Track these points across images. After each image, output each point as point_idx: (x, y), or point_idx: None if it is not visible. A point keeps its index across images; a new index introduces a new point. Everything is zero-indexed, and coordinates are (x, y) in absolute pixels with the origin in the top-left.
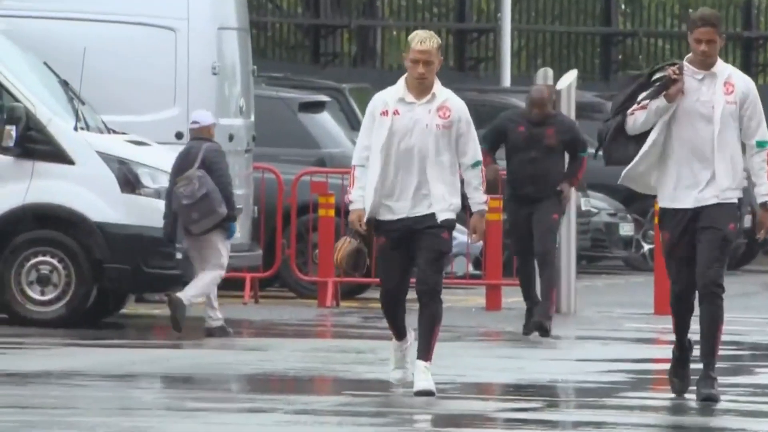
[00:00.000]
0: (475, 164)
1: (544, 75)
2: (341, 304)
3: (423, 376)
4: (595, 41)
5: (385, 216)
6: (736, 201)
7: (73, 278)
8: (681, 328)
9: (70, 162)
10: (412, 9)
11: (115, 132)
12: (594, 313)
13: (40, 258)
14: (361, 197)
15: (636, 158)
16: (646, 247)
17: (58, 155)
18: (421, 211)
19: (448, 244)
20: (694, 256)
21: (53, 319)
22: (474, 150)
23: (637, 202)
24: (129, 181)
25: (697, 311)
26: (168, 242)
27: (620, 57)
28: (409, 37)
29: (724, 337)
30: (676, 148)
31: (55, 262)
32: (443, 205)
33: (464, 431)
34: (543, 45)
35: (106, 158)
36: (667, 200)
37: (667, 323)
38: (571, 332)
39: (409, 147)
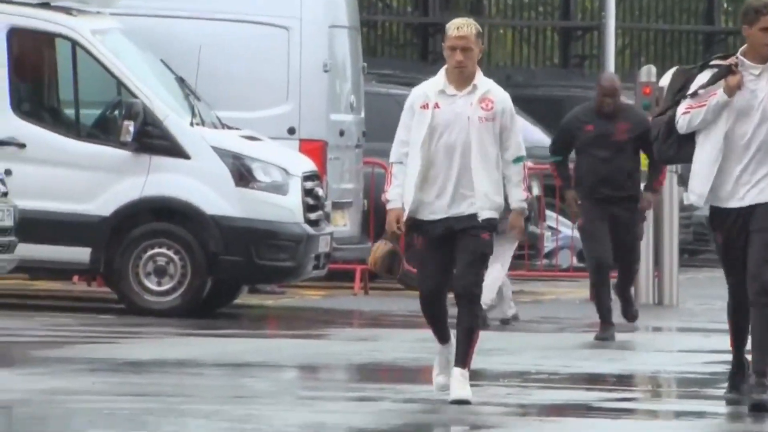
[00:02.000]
0: (517, 160)
1: (648, 72)
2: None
3: (459, 385)
4: (698, 39)
5: (426, 216)
6: None
7: (189, 270)
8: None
9: (186, 156)
10: (518, 8)
11: (229, 127)
12: (696, 305)
13: (157, 250)
14: (399, 196)
15: (702, 178)
16: None
17: (175, 150)
18: (463, 210)
19: (489, 245)
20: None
21: (169, 309)
22: (517, 144)
23: None
24: (243, 175)
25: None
26: None
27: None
28: (447, 26)
29: None
30: (728, 145)
31: (171, 253)
32: (485, 203)
33: (569, 420)
34: (646, 43)
35: (221, 153)
36: (720, 200)
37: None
38: (673, 324)
39: (450, 142)
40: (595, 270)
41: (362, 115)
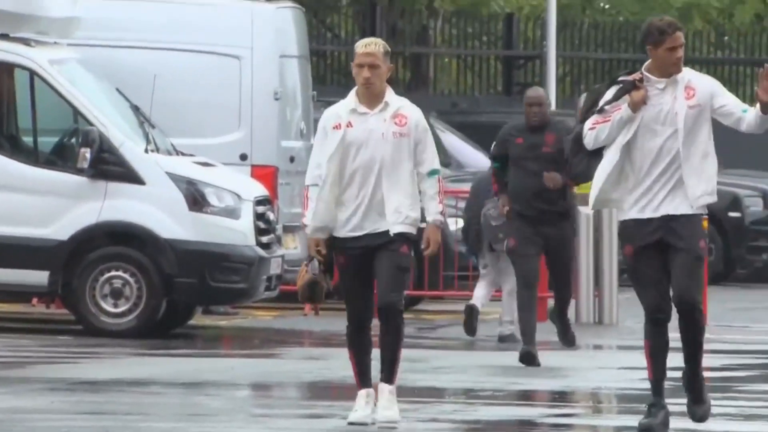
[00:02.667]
0: (432, 173)
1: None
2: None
3: (387, 404)
4: (635, 67)
5: (343, 233)
6: (706, 211)
7: (144, 291)
8: (658, 364)
9: (141, 182)
10: (462, 37)
11: (183, 154)
12: (634, 323)
13: (113, 273)
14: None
15: (598, 183)
16: None
17: (130, 176)
18: (380, 227)
19: (407, 259)
20: (663, 271)
21: (125, 330)
22: (431, 158)
23: None
24: (196, 200)
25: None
26: (470, 256)
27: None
28: (355, 44)
29: (758, 347)
30: (638, 159)
31: (127, 276)
32: (398, 218)
33: None
34: (586, 71)
35: (175, 178)
36: (629, 213)
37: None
38: (613, 342)
39: (365, 159)
40: (522, 287)
41: (312, 141)
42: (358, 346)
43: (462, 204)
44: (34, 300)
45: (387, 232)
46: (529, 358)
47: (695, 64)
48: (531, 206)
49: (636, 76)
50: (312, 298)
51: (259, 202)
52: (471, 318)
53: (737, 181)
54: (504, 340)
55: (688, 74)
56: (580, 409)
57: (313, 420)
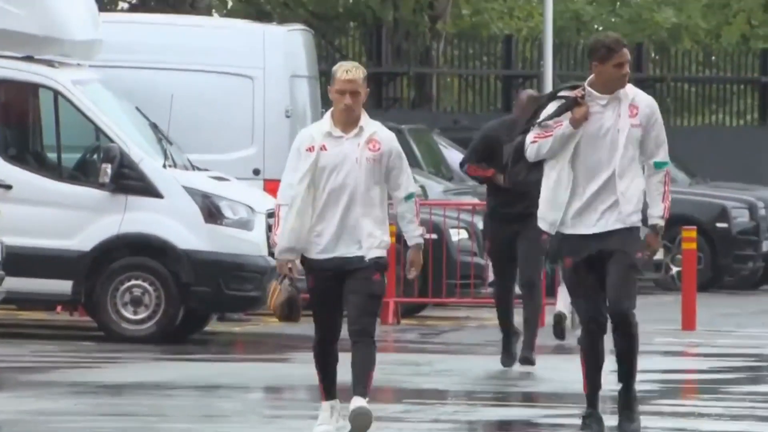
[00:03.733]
0: (408, 197)
1: None
2: (402, 322)
3: (359, 401)
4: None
5: (314, 255)
6: (639, 225)
7: (163, 300)
8: (592, 374)
9: (160, 196)
10: (464, 58)
11: (199, 169)
12: None
13: (133, 282)
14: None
15: (547, 203)
16: (675, 269)
17: (149, 190)
18: (351, 251)
19: (381, 286)
20: (600, 284)
21: (145, 336)
22: (407, 182)
23: (666, 230)
24: (212, 212)
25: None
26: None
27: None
28: (333, 69)
29: (744, 350)
30: (578, 174)
31: (146, 285)
32: (372, 243)
33: None
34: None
35: (192, 192)
36: (569, 226)
37: (693, 337)
38: (606, 346)
39: (338, 183)
40: (500, 294)
41: None
42: (324, 360)
43: (465, 216)
44: (58, 308)
45: (359, 257)
46: (528, 361)
47: (685, 82)
48: (507, 207)
49: (578, 92)
50: (290, 316)
51: (271, 215)
52: (559, 324)
53: (725, 193)
54: (558, 323)
55: (632, 92)
56: (575, 410)
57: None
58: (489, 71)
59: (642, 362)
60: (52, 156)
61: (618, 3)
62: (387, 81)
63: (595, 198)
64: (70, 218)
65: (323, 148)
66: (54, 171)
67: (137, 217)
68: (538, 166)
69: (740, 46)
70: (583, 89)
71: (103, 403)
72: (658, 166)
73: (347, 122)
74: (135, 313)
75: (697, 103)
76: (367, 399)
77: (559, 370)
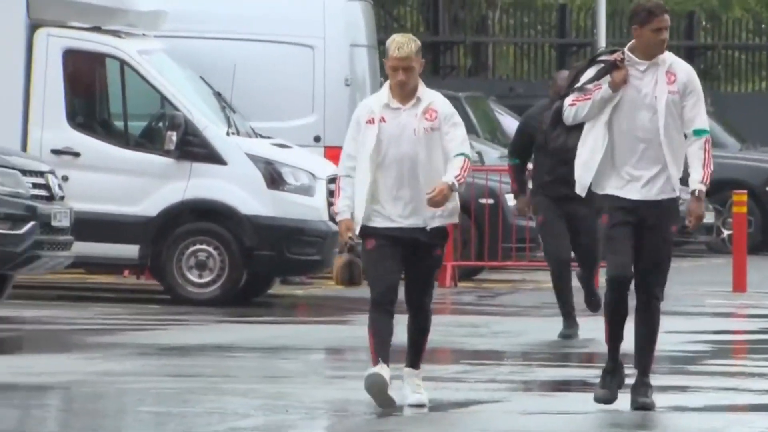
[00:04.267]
0: (459, 154)
1: None
2: (459, 285)
3: (413, 388)
4: (679, 53)
5: (378, 224)
6: (679, 195)
7: (227, 264)
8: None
9: (223, 163)
10: (519, 27)
11: (261, 136)
12: (680, 291)
13: (198, 246)
14: (348, 207)
15: (583, 168)
16: (726, 233)
17: (213, 157)
18: (417, 222)
19: (439, 261)
20: (633, 246)
21: (209, 299)
22: (460, 142)
23: (717, 194)
24: (274, 179)
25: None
26: None
27: (701, 67)
28: (387, 43)
29: (755, 311)
30: (617, 140)
31: (210, 249)
32: (435, 212)
33: (568, 395)
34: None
35: (254, 159)
36: (611, 187)
37: (743, 299)
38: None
39: (399, 154)
40: (555, 266)
41: None
42: (379, 330)
43: None
44: (126, 272)
45: (423, 229)
46: (571, 334)
47: (735, 49)
48: (557, 189)
49: (617, 56)
50: (351, 279)
51: (331, 180)
52: None
53: None
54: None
55: (669, 58)
56: (628, 370)
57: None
58: (543, 40)
59: (693, 323)
60: (118, 124)
61: None
62: (444, 50)
63: (637, 165)
64: (137, 184)
65: (382, 119)
66: (120, 138)
67: (202, 183)
68: (577, 130)
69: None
70: (623, 53)
71: (167, 364)
72: (698, 133)
73: (403, 94)
74: (200, 276)
75: (747, 70)
76: (418, 371)
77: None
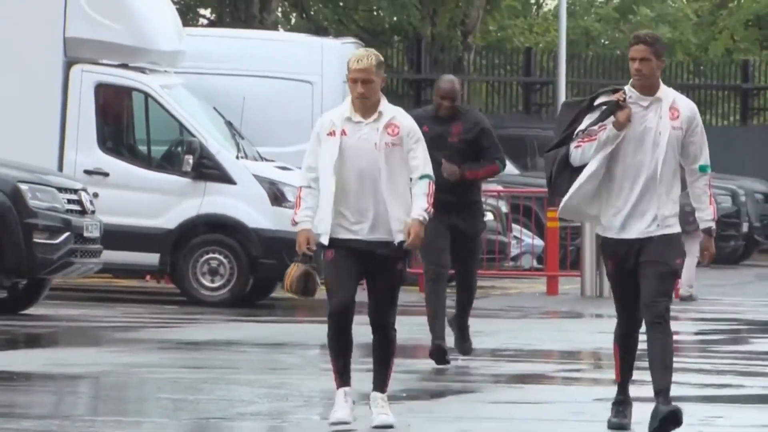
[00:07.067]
0: (423, 177)
1: None
2: None
3: (381, 410)
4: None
5: (342, 235)
6: (679, 231)
7: (236, 270)
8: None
9: (233, 183)
10: (491, 67)
11: (266, 160)
12: None
13: (211, 255)
14: (308, 217)
15: (571, 190)
16: None
17: (224, 177)
18: (380, 236)
19: (402, 276)
20: (637, 288)
21: (220, 301)
22: (423, 164)
23: None
24: (277, 197)
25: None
26: None
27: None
28: (349, 57)
29: (726, 315)
30: (618, 176)
31: (221, 258)
32: (398, 226)
33: (530, 386)
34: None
35: (260, 179)
36: (611, 230)
37: (684, 304)
38: (611, 311)
39: (360, 168)
40: (432, 280)
41: None
42: (338, 347)
43: (491, 201)
44: (148, 276)
45: (386, 242)
46: (439, 353)
47: (677, 88)
48: (437, 198)
49: (619, 96)
50: (306, 290)
51: None
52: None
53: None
54: (684, 299)
55: (672, 94)
56: (584, 365)
57: (371, 374)
58: (511, 78)
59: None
60: (142, 148)
61: (621, 21)
62: (425, 86)
63: (638, 201)
64: (158, 201)
65: (344, 132)
66: (144, 161)
67: (214, 201)
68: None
69: (724, 58)
70: (624, 92)
71: (184, 357)
72: (703, 169)
73: (364, 108)
74: (212, 281)
75: None
76: (384, 395)
77: (570, 332)
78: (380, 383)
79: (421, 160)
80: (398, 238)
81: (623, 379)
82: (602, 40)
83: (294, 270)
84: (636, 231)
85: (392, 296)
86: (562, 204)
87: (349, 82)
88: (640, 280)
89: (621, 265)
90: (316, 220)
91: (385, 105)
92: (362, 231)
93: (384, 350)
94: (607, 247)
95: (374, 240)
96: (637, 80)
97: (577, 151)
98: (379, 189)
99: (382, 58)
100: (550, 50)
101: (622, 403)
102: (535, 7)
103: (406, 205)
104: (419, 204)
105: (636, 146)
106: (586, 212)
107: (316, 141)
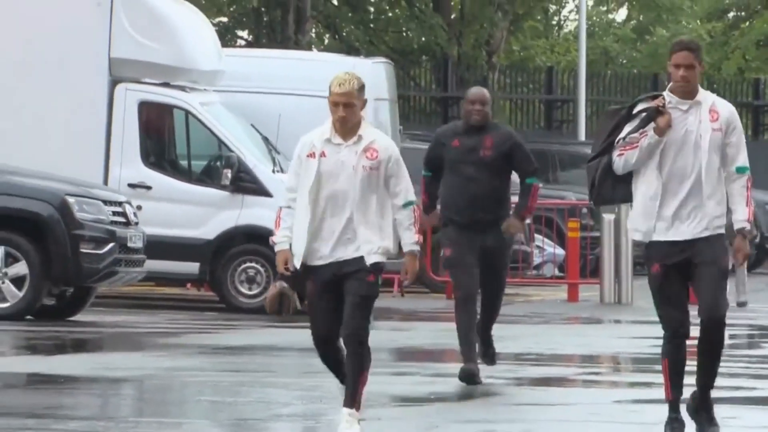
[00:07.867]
0: (406, 204)
1: None
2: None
3: (347, 426)
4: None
5: (314, 261)
6: (724, 231)
7: (272, 278)
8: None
9: (270, 195)
10: (514, 85)
11: None
12: (646, 303)
13: (248, 264)
14: (287, 237)
15: (646, 217)
16: None
17: (261, 190)
18: (347, 255)
19: (375, 288)
20: (685, 292)
21: (257, 308)
22: (405, 190)
23: None
24: None
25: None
26: None
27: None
28: (331, 80)
29: (741, 321)
30: (663, 180)
31: (258, 267)
32: (371, 249)
33: (553, 389)
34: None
35: None
36: (657, 232)
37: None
38: (629, 317)
39: (335, 190)
40: (462, 301)
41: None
42: (328, 366)
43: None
44: (188, 284)
45: (355, 259)
46: (469, 377)
47: None
48: (466, 213)
49: (659, 102)
50: (280, 310)
51: None
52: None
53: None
54: (741, 305)
55: (710, 97)
56: (603, 369)
57: (399, 377)
58: (534, 96)
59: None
60: (183, 163)
61: (638, 42)
62: (452, 104)
63: (683, 204)
64: (198, 213)
65: (323, 154)
66: (185, 175)
67: (251, 212)
68: (623, 182)
69: (736, 76)
70: (663, 98)
71: (222, 361)
72: (740, 170)
73: (345, 131)
74: (249, 289)
75: None
76: (354, 411)
77: (589, 336)
78: (350, 399)
79: (403, 186)
80: (371, 260)
81: (674, 397)
82: (620, 60)
83: (271, 290)
84: (685, 233)
85: (363, 309)
86: (643, 230)
87: (330, 105)
88: (694, 282)
89: (668, 268)
90: (292, 241)
91: (365, 128)
92: (330, 252)
93: (355, 365)
94: (654, 249)
95: (343, 259)
96: (682, 86)
97: (620, 160)
98: (350, 212)
99: (363, 82)
100: (571, 69)
101: (674, 421)
102: (557, 28)
103: (378, 228)
104: (408, 237)
105: (678, 150)
106: (654, 226)
107: (297, 162)
